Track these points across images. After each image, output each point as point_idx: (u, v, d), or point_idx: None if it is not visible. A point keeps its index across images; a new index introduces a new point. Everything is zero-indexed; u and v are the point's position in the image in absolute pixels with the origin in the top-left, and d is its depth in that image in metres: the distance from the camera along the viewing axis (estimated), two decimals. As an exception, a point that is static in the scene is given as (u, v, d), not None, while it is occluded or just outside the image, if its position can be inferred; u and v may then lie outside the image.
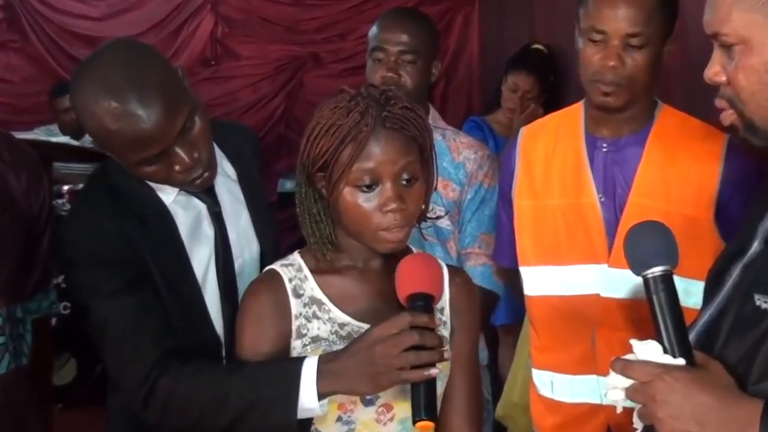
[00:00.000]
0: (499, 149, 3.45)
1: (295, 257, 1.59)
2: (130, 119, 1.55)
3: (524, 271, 2.07)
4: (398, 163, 1.45)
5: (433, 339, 1.38)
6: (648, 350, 1.26)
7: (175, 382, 1.57)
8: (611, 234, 1.92)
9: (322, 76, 5.46)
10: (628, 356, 1.27)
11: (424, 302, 1.41)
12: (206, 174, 1.70)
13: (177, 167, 1.65)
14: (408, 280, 1.43)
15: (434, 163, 1.56)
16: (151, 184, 1.72)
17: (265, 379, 1.49)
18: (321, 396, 1.45)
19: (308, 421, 1.52)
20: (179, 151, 1.63)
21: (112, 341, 1.63)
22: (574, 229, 1.97)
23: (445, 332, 1.59)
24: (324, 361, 1.45)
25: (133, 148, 1.59)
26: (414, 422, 1.37)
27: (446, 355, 1.40)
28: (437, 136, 2.49)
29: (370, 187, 1.45)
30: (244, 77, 5.50)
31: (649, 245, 1.29)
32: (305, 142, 1.50)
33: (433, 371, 1.37)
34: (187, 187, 1.71)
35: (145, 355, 1.60)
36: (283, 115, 5.51)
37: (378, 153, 1.44)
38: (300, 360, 1.47)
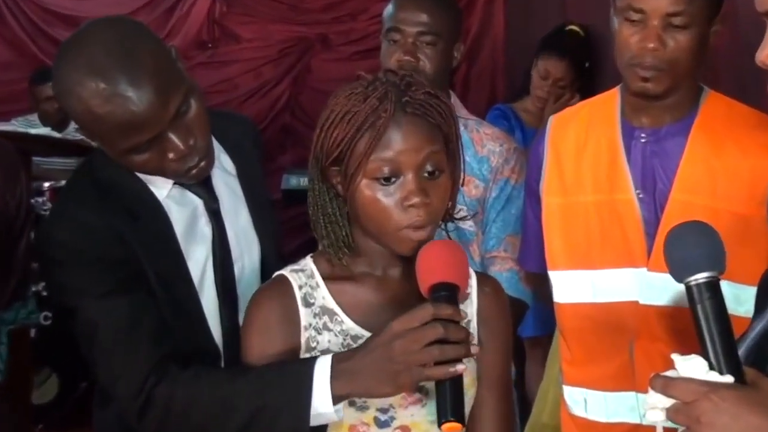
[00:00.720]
0: (528, 141, 3.45)
1: (307, 262, 1.60)
2: (119, 101, 1.56)
3: (554, 276, 2.07)
4: (421, 152, 1.45)
5: (458, 332, 1.39)
6: (691, 366, 1.24)
7: (174, 389, 1.59)
8: (651, 234, 1.93)
9: (331, 60, 5.46)
10: (669, 372, 1.25)
11: (448, 293, 1.42)
12: (202, 163, 1.72)
13: (171, 155, 1.66)
14: (430, 268, 1.44)
15: (461, 155, 1.57)
16: (143, 177, 1.74)
17: (273, 382, 1.50)
18: (336, 399, 1.46)
19: (322, 429, 1.53)
20: (173, 137, 1.65)
21: (103, 346, 1.65)
22: (608, 228, 1.97)
23: (472, 347, 1.59)
24: (338, 360, 1.46)
25: (122, 134, 1.60)
26: (439, 424, 1.37)
27: (473, 349, 1.41)
28: (459, 127, 2.49)
29: (389, 180, 1.46)
30: (245, 61, 5.49)
31: (692, 248, 1.29)
32: (318, 133, 1.51)
33: (460, 367, 1.37)
34: (181, 177, 1.73)
35: (141, 360, 1.61)
36: (287, 104, 5.50)
37: (398, 141, 1.45)
38: (312, 360, 1.48)
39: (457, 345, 1.38)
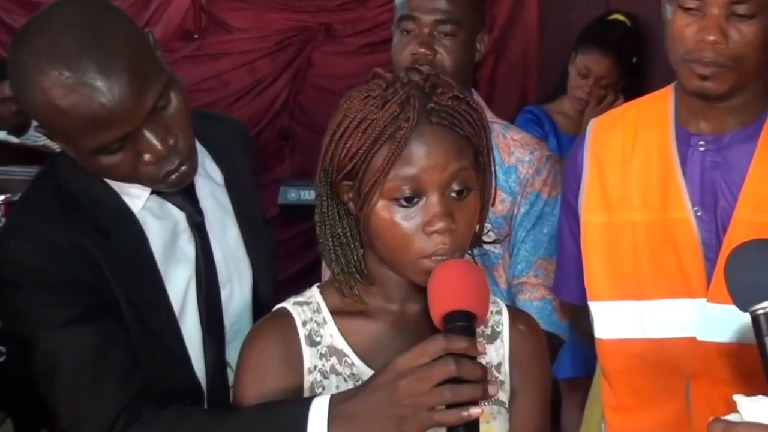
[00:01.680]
0: (564, 150, 3.45)
1: (314, 293, 1.62)
2: (86, 92, 1.57)
3: (595, 307, 2.07)
4: (447, 169, 1.46)
5: (474, 370, 1.38)
6: (758, 408, 1.25)
7: None
8: (711, 259, 1.92)
9: (336, 54, 5.46)
10: (731, 416, 1.26)
11: (465, 323, 1.41)
12: (184, 167, 1.72)
13: (146, 156, 1.67)
14: (443, 294, 1.44)
15: (493, 170, 1.57)
16: (115, 185, 1.74)
17: (263, 425, 1.50)
18: None
19: None
20: (149, 135, 1.65)
21: (65, 382, 1.64)
22: (661, 252, 1.97)
23: (503, 396, 1.60)
24: (337, 402, 1.46)
25: (89, 131, 1.60)
26: None
27: (492, 390, 1.40)
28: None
29: (411, 200, 1.46)
30: (236, 55, 5.50)
31: (759, 271, 1.28)
32: (329, 142, 1.51)
33: (475, 411, 1.36)
34: (159, 184, 1.73)
35: (109, 399, 1.61)
36: (286, 104, 5.50)
37: (422, 156, 1.45)
38: (307, 401, 1.48)
39: (472, 385, 1.37)
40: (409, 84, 1.48)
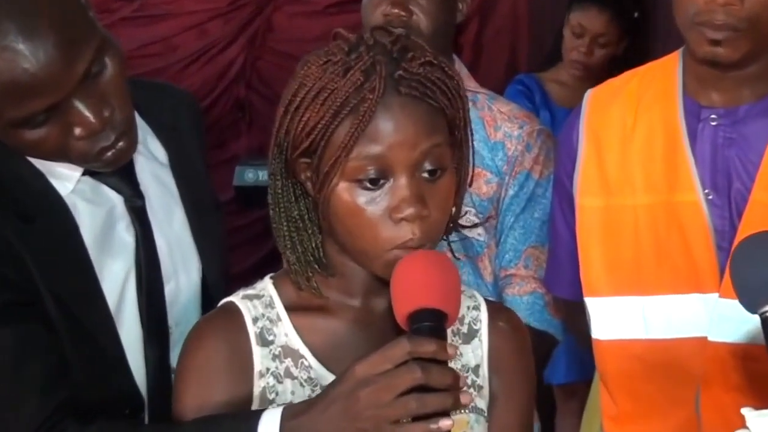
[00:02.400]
0: (558, 125, 3.45)
1: (266, 286, 1.61)
2: (7, 57, 1.56)
3: (592, 304, 2.07)
4: (418, 146, 1.45)
5: (443, 376, 1.37)
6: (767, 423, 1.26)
7: None
8: (724, 248, 1.92)
9: (299, 15, 5.45)
10: None
11: (433, 323, 1.40)
12: (121, 143, 1.71)
13: (77, 130, 1.65)
14: (408, 290, 1.43)
15: (470, 145, 1.57)
16: (39, 165, 1.73)
17: None
18: None
19: None
20: (80, 106, 1.64)
21: None
22: (666, 241, 1.97)
23: (481, 402, 1.60)
24: (289, 416, 1.45)
25: (11, 101, 1.59)
26: None
27: (464, 399, 1.39)
28: (465, 103, 2.50)
29: (376, 182, 1.45)
30: (185, 15, 5.48)
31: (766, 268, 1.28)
32: (283, 114, 1.50)
33: (445, 423, 1.35)
34: (92, 163, 1.72)
35: (27, 413, 1.60)
36: (242, 72, 5.49)
37: (389, 132, 1.44)
38: (256, 415, 1.47)
39: (441, 393, 1.36)
40: (375, 47, 1.47)
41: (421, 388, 1.36)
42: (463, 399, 1.38)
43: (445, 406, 1.36)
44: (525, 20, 5.39)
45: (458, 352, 1.57)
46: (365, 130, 1.43)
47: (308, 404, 1.45)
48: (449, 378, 1.37)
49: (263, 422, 1.45)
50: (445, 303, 1.42)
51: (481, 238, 2.45)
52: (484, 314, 1.63)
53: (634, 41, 3.90)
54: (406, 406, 1.36)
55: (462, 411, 1.53)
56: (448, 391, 1.36)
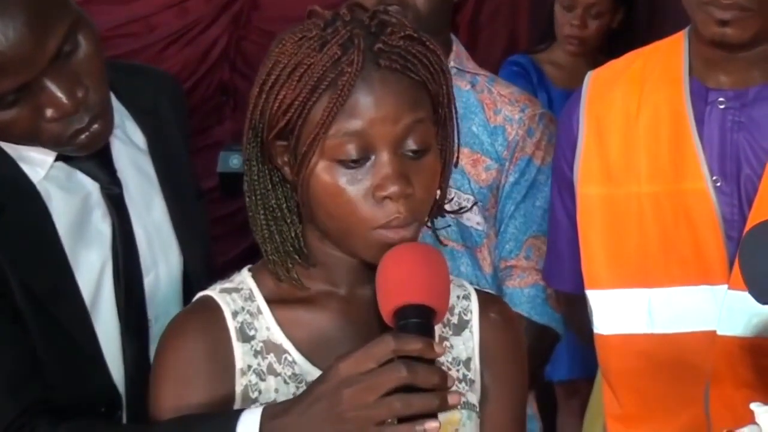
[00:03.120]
0: (557, 107, 3.46)
1: (244, 278, 1.62)
2: None
3: (594, 297, 2.08)
4: (400, 121, 1.46)
5: (430, 376, 1.37)
6: None
7: None
8: (733, 238, 1.93)
9: (285, -8, 5.45)
10: (748, 428, 1.28)
11: (420, 319, 1.41)
12: (96, 125, 1.72)
13: (49, 112, 1.66)
14: (393, 284, 1.44)
15: (455, 123, 1.57)
16: (9, 149, 1.73)
17: None
18: None
19: None
20: (52, 86, 1.65)
21: None
22: (673, 230, 1.98)
23: (473, 397, 1.60)
24: (270, 416, 1.45)
25: None
26: None
27: (452, 400, 1.38)
28: (463, 85, 2.51)
29: (357, 161, 1.46)
30: (164, -8, 5.49)
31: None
32: (257, 94, 1.50)
33: (431, 425, 1.35)
34: (65, 147, 1.73)
35: None
36: (225, 53, 5.48)
37: (369, 107, 1.45)
38: (234, 416, 1.47)
39: (428, 394, 1.37)
40: (352, 22, 1.48)
41: (407, 388, 1.36)
42: (451, 400, 1.38)
43: (432, 407, 1.36)
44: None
45: (449, 345, 1.59)
46: (344, 106, 1.44)
47: (289, 404, 1.45)
48: (436, 377, 1.37)
49: (242, 423, 1.46)
50: (432, 298, 1.43)
51: (480, 228, 2.46)
52: (474, 304, 1.64)
53: (630, 13, 3.90)
54: (391, 407, 1.36)
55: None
56: (435, 392, 1.37)
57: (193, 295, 1.66)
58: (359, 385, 1.37)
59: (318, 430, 1.40)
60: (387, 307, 1.43)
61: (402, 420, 1.36)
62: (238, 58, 5.41)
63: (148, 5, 5.41)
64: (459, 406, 1.56)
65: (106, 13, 5.10)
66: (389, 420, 1.37)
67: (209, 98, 5.36)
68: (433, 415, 1.36)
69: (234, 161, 4.84)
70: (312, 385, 1.44)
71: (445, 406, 1.38)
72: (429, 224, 1.59)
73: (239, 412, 1.48)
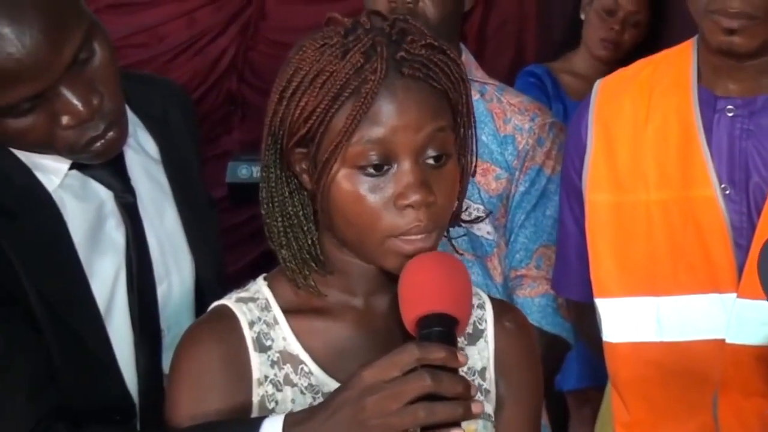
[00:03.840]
0: (571, 117, 3.46)
1: (260, 287, 1.61)
2: None
3: (603, 305, 2.08)
4: (423, 130, 1.46)
5: (454, 385, 1.37)
6: None
7: None
8: (742, 246, 1.94)
9: (294, 2, 5.41)
10: None
11: (443, 328, 1.41)
12: (111, 133, 1.72)
13: (64, 119, 1.67)
14: (417, 293, 1.44)
15: (473, 132, 1.58)
16: (24, 158, 1.74)
17: None
18: None
19: None
20: (68, 93, 1.65)
21: None
22: (681, 238, 1.98)
23: (488, 407, 1.61)
24: (292, 423, 1.44)
25: None
26: None
27: (476, 408, 1.38)
28: (472, 94, 2.50)
29: (379, 168, 1.46)
30: (172, 3, 5.45)
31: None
32: (277, 101, 1.51)
33: None
34: (80, 154, 1.73)
35: (14, 420, 1.61)
36: (233, 63, 5.47)
37: (392, 115, 1.45)
38: (256, 423, 1.47)
39: (452, 402, 1.36)
40: (373, 30, 1.47)
41: (431, 397, 1.35)
42: (475, 408, 1.38)
43: (456, 415, 1.36)
44: (533, 8, 5.35)
45: (467, 360, 1.56)
46: (367, 113, 1.43)
47: (312, 411, 1.45)
48: (460, 386, 1.37)
49: (264, 429, 1.45)
50: (455, 307, 1.43)
51: (491, 237, 2.46)
52: (489, 313, 1.64)
53: (657, 30, 3.92)
54: (415, 415, 1.35)
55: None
56: (459, 400, 1.36)
57: (205, 305, 1.65)
58: (383, 392, 1.37)
59: None
60: (410, 315, 1.43)
61: (425, 429, 1.36)
62: (246, 68, 5.40)
63: (156, 15, 5.38)
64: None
65: (114, 23, 5.07)
66: (412, 428, 1.37)
67: (217, 108, 5.35)
68: (456, 424, 1.36)
69: (242, 171, 4.84)
70: (335, 393, 1.43)
71: (468, 415, 1.37)
72: (445, 234, 1.58)
73: (261, 419, 1.47)
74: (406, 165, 1.45)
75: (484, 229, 2.46)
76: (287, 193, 1.55)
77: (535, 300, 2.47)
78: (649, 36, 3.94)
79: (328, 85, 1.44)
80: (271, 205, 1.55)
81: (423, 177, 1.46)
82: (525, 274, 2.49)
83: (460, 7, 2.52)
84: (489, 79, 2.61)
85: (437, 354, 1.37)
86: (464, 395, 1.37)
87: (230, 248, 4.57)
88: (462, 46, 2.63)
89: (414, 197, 1.45)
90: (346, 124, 1.44)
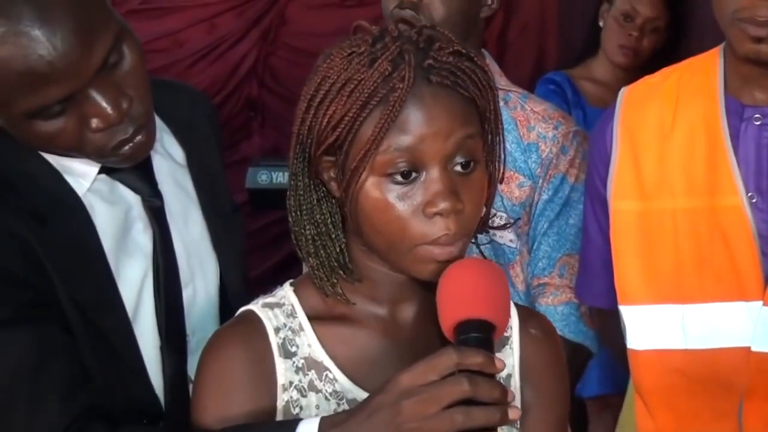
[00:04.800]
0: (591, 126, 3.46)
1: (287, 293, 1.62)
2: (22, 43, 1.57)
3: (627, 313, 2.08)
4: (451, 137, 1.46)
5: (491, 390, 1.37)
6: None
7: None
8: (768, 254, 1.95)
9: (315, 7, 5.43)
10: None
11: (481, 334, 1.42)
12: (140, 137, 1.73)
13: (94, 122, 1.67)
14: (456, 299, 1.44)
15: (501, 139, 1.58)
16: (54, 162, 1.75)
17: None
18: None
19: None
20: (97, 96, 1.66)
21: None
22: (708, 246, 1.98)
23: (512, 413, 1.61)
24: (329, 425, 1.45)
25: (25, 90, 1.61)
26: None
27: (513, 414, 1.38)
28: (497, 101, 2.52)
29: (408, 176, 1.46)
30: (193, 9, 5.46)
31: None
32: (305, 110, 1.51)
33: None
34: (109, 158, 1.74)
35: (50, 418, 1.62)
36: (254, 69, 5.48)
37: (420, 122, 1.45)
38: (292, 423, 1.48)
39: (489, 408, 1.36)
40: (401, 38, 1.48)
41: (468, 402, 1.36)
42: (512, 414, 1.38)
43: (493, 420, 1.36)
44: (554, 15, 5.34)
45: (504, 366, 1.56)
46: (395, 121, 1.44)
47: (348, 413, 1.45)
48: (497, 392, 1.37)
49: (301, 431, 1.45)
50: (494, 314, 1.43)
51: (513, 245, 2.47)
52: (514, 320, 1.64)
53: (675, 38, 3.92)
54: (452, 420, 1.35)
55: None
56: (496, 406, 1.37)
57: (230, 310, 1.66)
58: (420, 396, 1.37)
59: None
60: (448, 321, 1.44)
61: None
62: (267, 73, 5.41)
63: (177, 21, 5.40)
64: None
65: (135, 29, 5.04)
66: None
67: (237, 114, 5.36)
68: (492, 429, 1.36)
69: (262, 177, 4.84)
70: (372, 396, 1.43)
71: (505, 420, 1.37)
72: (472, 240, 1.58)
73: (297, 420, 1.48)
74: (434, 173, 1.46)
75: (507, 237, 2.46)
76: (315, 201, 1.55)
77: (558, 308, 2.47)
78: (668, 42, 3.94)
79: (356, 93, 1.45)
80: (299, 213, 1.56)
81: (451, 185, 1.46)
82: (548, 282, 2.50)
83: (472, 10, 2.52)
84: (513, 86, 2.62)
85: (475, 359, 1.38)
86: (501, 400, 1.37)
87: (250, 253, 4.57)
88: (485, 52, 2.63)
89: (443, 205, 1.45)
90: (374, 132, 1.44)
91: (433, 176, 1.46)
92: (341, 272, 1.56)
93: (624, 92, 2.15)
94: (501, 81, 2.57)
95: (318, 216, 1.55)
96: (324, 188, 1.55)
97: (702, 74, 2.05)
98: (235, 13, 5.42)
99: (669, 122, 2.04)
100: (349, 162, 1.47)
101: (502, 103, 2.47)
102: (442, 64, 1.46)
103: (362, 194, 1.48)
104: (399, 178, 1.46)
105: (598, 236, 2.16)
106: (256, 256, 4.70)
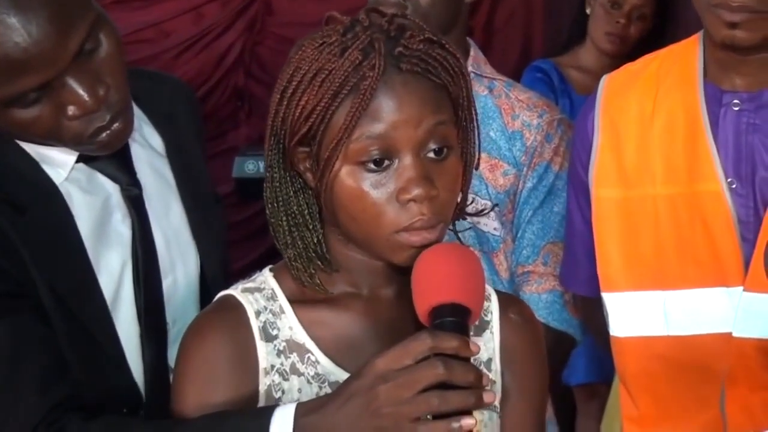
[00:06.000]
0: (577, 113, 3.47)
1: (266, 278, 1.63)
2: None
3: (610, 300, 2.09)
4: (423, 124, 1.47)
5: (466, 373, 1.39)
6: None
7: None
8: (749, 240, 1.95)
9: (300, -3, 5.45)
10: None
11: (456, 318, 1.42)
12: (117, 124, 1.73)
13: (71, 109, 1.68)
14: (430, 284, 1.45)
15: (475, 125, 1.58)
16: (31, 150, 1.75)
17: None
18: None
19: None
20: (74, 84, 1.66)
21: None
22: (688, 233, 1.99)
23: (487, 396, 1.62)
24: (304, 412, 1.46)
25: (1, 78, 1.61)
26: None
27: (488, 398, 1.39)
28: (481, 90, 2.53)
29: (380, 164, 1.47)
30: (178, -1, 5.49)
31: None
32: (278, 101, 1.52)
33: (467, 422, 1.37)
34: (86, 146, 1.74)
35: (26, 410, 1.62)
36: (240, 58, 5.46)
37: (392, 110, 1.46)
38: (268, 411, 1.49)
39: (464, 391, 1.38)
40: (371, 27, 1.49)
41: (443, 385, 1.37)
42: (487, 398, 1.40)
43: (468, 404, 1.37)
44: (540, 2, 5.32)
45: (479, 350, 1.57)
46: (366, 110, 1.45)
47: (324, 400, 1.46)
48: (472, 375, 1.38)
49: (276, 419, 1.47)
50: (468, 298, 1.44)
51: (497, 233, 2.47)
52: (494, 305, 1.65)
53: (661, 25, 3.93)
54: (428, 403, 1.37)
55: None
56: (471, 389, 1.38)
57: (210, 300, 1.66)
58: (396, 380, 1.38)
59: (353, 425, 1.42)
60: (423, 305, 1.44)
61: (437, 417, 1.38)
62: (253, 63, 5.39)
63: (162, 11, 5.37)
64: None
65: (121, 19, 5.02)
66: (424, 417, 1.38)
67: (224, 104, 5.35)
68: (467, 413, 1.37)
69: (249, 166, 4.84)
70: (347, 381, 1.45)
71: (481, 404, 1.39)
72: (450, 227, 1.59)
73: (272, 408, 1.49)
74: (407, 160, 1.47)
75: (491, 225, 2.46)
76: (291, 193, 1.56)
77: (542, 296, 2.48)
78: (654, 30, 3.95)
79: (328, 83, 1.46)
80: (275, 204, 1.57)
81: (424, 171, 1.47)
82: (532, 270, 2.50)
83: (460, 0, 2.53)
84: (497, 74, 2.62)
85: (450, 343, 1.39)
86: (476, 384, 1.39)
87: (238, 243, 4.58)
88: (470, 41, 2.63)
89: (416, 191, 1.46)
90: (346, 120, 1.45)
91: (406, 163, 1.47)
92: (319, 262, 1.57)
93: (605, 80, 2.16)
94: (486, 69, 2.58)
95: (294, 207, 1.56)
96: (300, 179, 1.56)
97: (682, 61, 2.06)
98: (221, 2, 5.39)
99: (649, 109, 2.05)
100: (323, 152, 1.48)
101: (486, 92, 2.50)
102: (412, 52, 1.47)
103: (337, 183, 1.49)
104: (372, 166, 1.47)
105: (582, 224, 2.17)
106: (245, 246, 4.70)
